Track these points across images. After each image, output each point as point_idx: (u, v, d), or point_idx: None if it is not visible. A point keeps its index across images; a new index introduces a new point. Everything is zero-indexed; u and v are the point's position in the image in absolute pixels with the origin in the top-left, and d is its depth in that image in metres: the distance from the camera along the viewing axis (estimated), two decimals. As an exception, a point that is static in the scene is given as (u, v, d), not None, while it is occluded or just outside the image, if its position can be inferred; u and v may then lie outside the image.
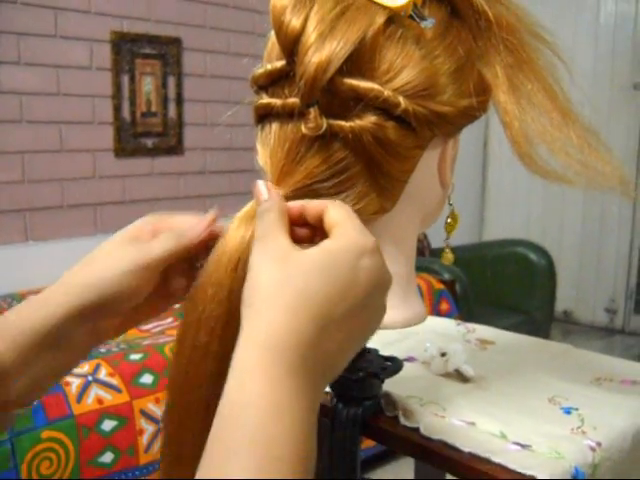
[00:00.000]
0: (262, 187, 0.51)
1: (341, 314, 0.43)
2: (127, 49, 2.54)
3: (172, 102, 2.68)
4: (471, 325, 0.95)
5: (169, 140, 2.69)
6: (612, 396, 0.71)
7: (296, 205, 0.50)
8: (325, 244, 0.45)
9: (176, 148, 2.70)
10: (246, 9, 2.85)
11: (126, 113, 2.56)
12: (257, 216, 0.49)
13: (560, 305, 3.70)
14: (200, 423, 0.49)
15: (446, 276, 2.60)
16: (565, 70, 0.58)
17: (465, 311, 2.58)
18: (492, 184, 4.16)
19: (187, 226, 0.55)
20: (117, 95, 2.53)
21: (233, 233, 0.51)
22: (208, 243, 0.54)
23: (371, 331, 0.47)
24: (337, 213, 0.47)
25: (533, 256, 3.13)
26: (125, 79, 2.55)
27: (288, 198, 0.52)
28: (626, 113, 3.63)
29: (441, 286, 2.52)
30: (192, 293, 0.52)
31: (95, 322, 0.54)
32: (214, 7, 2.76)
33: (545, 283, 3.11)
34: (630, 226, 3.70)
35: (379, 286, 0.46)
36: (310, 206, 0.49)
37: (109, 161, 2.53)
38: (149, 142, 2.63)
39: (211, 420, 0.40)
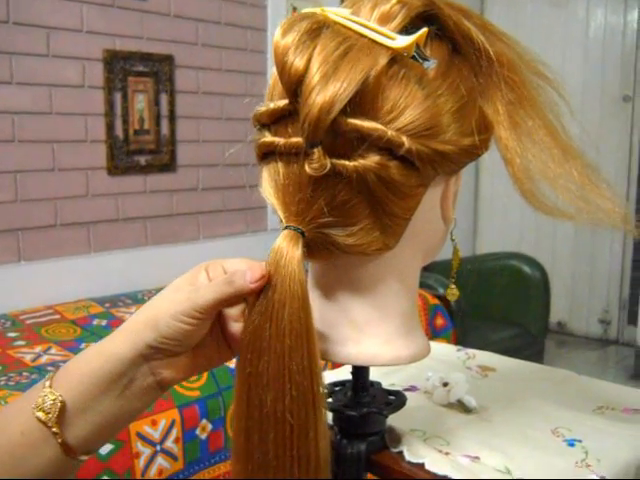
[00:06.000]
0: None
1: None
2: (119, 67, 2.53)
3: (165, 119, 2.67)
4: (471, 351, 0.95)
5: (162, 157, 2.68)
6: (615, 426, 0.71)
7: None
8: None
9: (169, 165, 2.70)
10: (238, 26, 2.85)
11: (119, 131, 2.55)
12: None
13: (554, 316, 3.71)
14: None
15: (441, 291, 2.60)
16: (566, 106, 0.59)
17: (460, 325, 2.57)
18: (484, 197, 4.18)
19: (236, 273, 0.54)
20: (110, 113, 2.52)
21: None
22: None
23: None
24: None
25: (527, 269, 3.14)
26: (118, 97, 2.54)
27: (307, 234, 0.54)
28: (616, 125, 3.65)
29: (436, 301, 2.51)
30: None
31: (154, 365, 0.54)
32: (206, 24, 2.76)
33: (539, 295, 3.12)
34: (622, 237, 3.71)
35: None
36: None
37: (102, 179, 2.52)
38: (142, 160, 2.62)
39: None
